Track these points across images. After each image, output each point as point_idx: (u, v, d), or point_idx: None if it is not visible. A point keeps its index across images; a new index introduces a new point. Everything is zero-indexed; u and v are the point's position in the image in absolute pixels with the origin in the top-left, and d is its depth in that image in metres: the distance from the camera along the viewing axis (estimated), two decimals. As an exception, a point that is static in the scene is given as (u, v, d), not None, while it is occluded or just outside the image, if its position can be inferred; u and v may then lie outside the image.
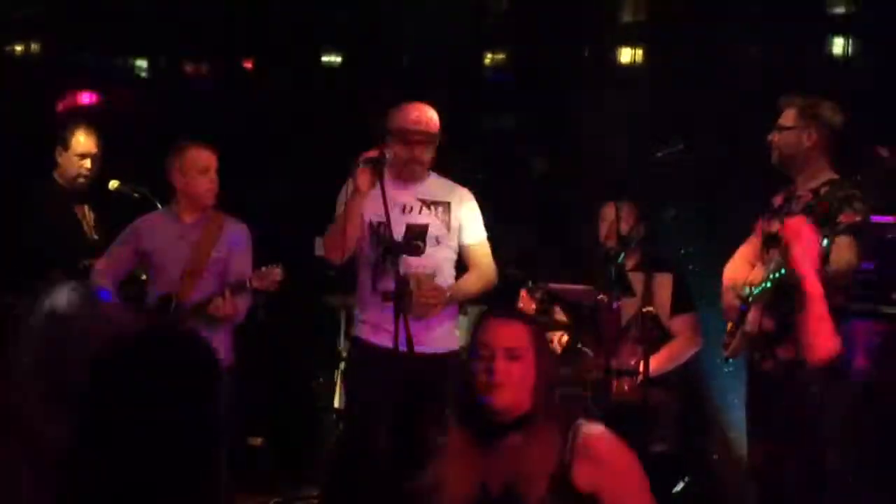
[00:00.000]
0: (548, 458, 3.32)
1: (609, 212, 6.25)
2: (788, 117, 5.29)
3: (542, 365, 3.42)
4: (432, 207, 5.45)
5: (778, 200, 5.42)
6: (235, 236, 5.78)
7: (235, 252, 5.75)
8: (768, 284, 5.10)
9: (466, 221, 5.50)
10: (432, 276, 5.38)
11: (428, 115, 5.41)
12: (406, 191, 5.43)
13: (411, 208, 5.41)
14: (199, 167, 5.69)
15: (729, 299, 5.35)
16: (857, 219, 5.05)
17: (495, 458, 3.40)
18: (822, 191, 5.21)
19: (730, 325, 5.37)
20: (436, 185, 5.51)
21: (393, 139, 5.38)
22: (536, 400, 3.38)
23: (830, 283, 4.95)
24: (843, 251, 5.01)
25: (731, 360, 5.47)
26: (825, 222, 5.02)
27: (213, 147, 5.75)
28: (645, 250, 6.15)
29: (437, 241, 5.42)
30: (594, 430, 3.40)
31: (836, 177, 5.25)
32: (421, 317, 5.29)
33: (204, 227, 5.75)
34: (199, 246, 5.72)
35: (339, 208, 5.41)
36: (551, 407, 3.42)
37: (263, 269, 5.59)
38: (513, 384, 3.36)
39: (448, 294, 5.39)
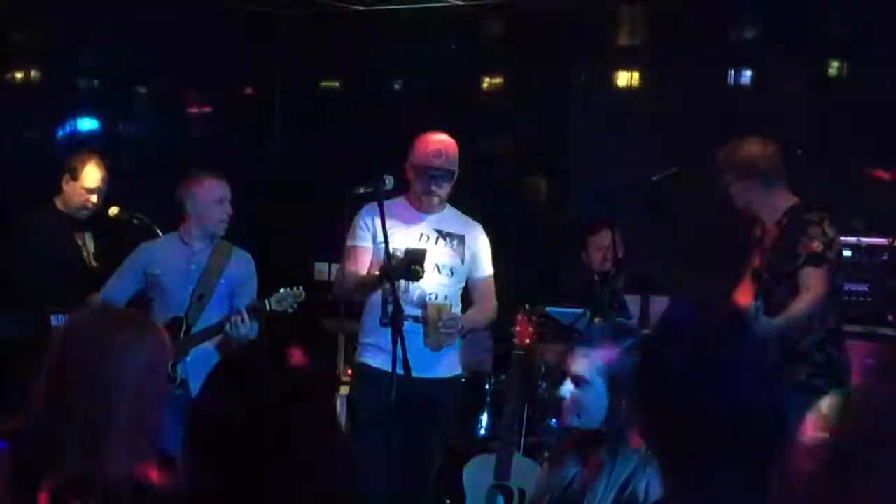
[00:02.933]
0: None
1: (602, 238, 6.31)
2: (724, 174, 5.39)
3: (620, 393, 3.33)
4: (448, 239, 5.49)
5: (758, 231, 5.50)
6: (242, 266, 5.83)
7: (242, 282, 5.80)
8: None
9: (478, 256, 5.56)
10: (449, 306, 5.43)
11: (447, 150, 5.44)
12: (424, 221, 5.48)
13: (427, 237, 5.45)
14: (216, 198, 5.72)
15: None
16: (814, 245, 5.13)
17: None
18: (784, 221, 5.30)
19: None
20: (452, 218, 5.57)
21: (414, 170, 5.43)
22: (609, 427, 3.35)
23: (798, 318, 5.08)
24: (809, 283, 5.13)
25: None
26: (789, 254, 5.14)
27: (223, 175, 5.77)
28: (638, 273, 6.19)
29: (452, 273, 5.47)
30: None
31: (793, 202, 5.33)
32: (437, 347, 5.35)
33: (212, 255, 5.79)
34: (207, 272, 5.75)
35: (349, 241, 5.48)
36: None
37: (282, 290, 5.61)
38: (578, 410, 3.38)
39: (461, 325, 5.44)
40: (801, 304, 5.14)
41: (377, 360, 5.37)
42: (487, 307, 5.62)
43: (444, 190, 5.45)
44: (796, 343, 5.19)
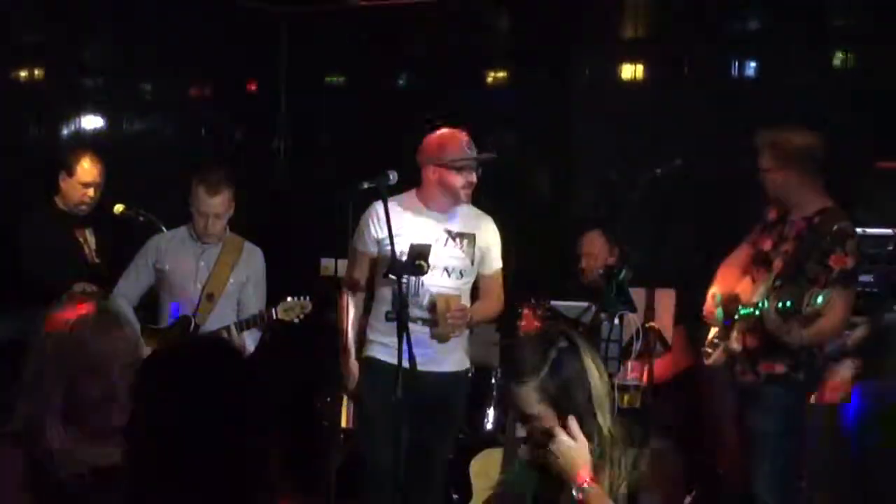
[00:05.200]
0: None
1: (590, 244, 6.37)
2: (765, 159, 5.31)
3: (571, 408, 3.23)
4: (458, 240, 5.48)
5: (772, 214, 5.45)
6: (254, 262, 5.85)
7: (253, 279, 5.82)
8: (756, 312, 5.17)
9: (487, 252, 5.55)
10: (459, 297, 5.43)
11: (470, 140, 5.48)
12: (434, 221, 5.47)
13: (437, 239, 5.45)
14: (201, 210, 5.72)
15: (708, 305, 5.42)
16: (848, 262, 5.07)
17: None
18: (816, 220, 5.23)
19: (711, 334, 5.43)
20: (464, 216, 5.55)
21: (448, 166, 5.41)
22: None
23: (821, 339, 5.05)
24: (838, 307, 5.06)
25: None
26: (817, 260, 5.07)
27: (221, 186, 5.73)
28: (644, 266, 6.18)
29: (461, 275, 5.48)
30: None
31: (829, 205, 5.27)
32: (445, 338, 5.35)
33: (222, 252, 5.80)
34: (218, 269, 5.76)
35: (358, 244, 5.47)
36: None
37: (290, 300, 5.63)
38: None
39: (469, 317, 5.45)
40: (827, 326, 5.08)
41: (383, 355, 5.37)
42: (494, 300, 5.63)
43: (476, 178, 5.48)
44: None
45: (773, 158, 5.28)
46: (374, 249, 5.44)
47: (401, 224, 5.28)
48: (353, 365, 5.49)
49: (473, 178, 5.42)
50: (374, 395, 5.42)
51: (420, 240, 5.34)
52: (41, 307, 3.03)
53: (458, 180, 5.39)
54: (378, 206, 5.31)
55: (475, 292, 5.64)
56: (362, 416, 5.64)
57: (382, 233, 5.27)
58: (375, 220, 5.39)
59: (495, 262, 5.60)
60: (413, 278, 5.29)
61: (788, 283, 5.16)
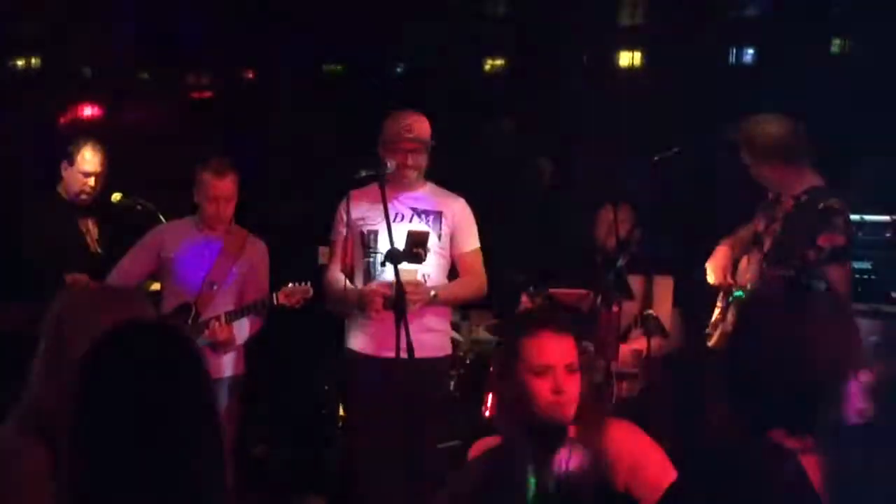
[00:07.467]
0: (589, 462, 3.35)
1: (607, 214, 6.28)
2: (744, 155, 5.33)
3: (586, 371, 3.46)
4: (423, 216, 5.49)
5: (770, 196, 5.46)
6: (256, 254, 5.86)
7: (255, 270, 5.83)
8: (742, 294, 5.18)
9: (459, 231, 5.54)
10: (415, 272, 5.38)
11: (419, 122, 5.47)
12: (398, 200, 5.47)
13: (402, 216, 5.45)
14: (209, 195, 5.73)
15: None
16: (837, 239, 5.04)
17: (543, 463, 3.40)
18: (803, 199, 5.22)
19: (715, 314, 5.43)
20: (429, 195, 5.55)
21: (386, 148, 5.43)
22: (582, 406, 3.42)
23: None
24: (837, 284, 5.00)
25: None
26: (806, 240, 5.05)
27: (228, 170, 5.75)
28: (643, 253, 6.19)
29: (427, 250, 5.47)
30: (614, 430, 3.42)
31: (817, 183, 5.26)
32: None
33: (226, 242, 5.81)
34: (221, 259, 5.77)
35: (336, 234, 5.48)
36: (593, 411, 3.45)
37: (291, 285, 5.64)
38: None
39: (432, 293, 5.40)
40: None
41: (368, 345, 5.38)
42: (470, 280, 5.59)
43: (421, 162, 5.46)
44: None
45: (750, 154, 5.29)
46: (344, 235, 5.45)
47: (367, 207, 5.36)
48: (367, 288, 5.39)
49: (411, 160, 5.43)
50: (359, 386, 5.43)
51: (382, 220, 5.28)
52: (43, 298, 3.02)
53: (396, 159, 5.40)
54: (349, 195, 5.36)
55: (452, 274, 5.61)
56: (352, 408, 5.64)
57: (352, 214, 5.34)
58: (343, 208, 5.42)
59: (470, 241, 5.58)
60: (373, 258, 5.37)
61: (775, 264, 5.15)
